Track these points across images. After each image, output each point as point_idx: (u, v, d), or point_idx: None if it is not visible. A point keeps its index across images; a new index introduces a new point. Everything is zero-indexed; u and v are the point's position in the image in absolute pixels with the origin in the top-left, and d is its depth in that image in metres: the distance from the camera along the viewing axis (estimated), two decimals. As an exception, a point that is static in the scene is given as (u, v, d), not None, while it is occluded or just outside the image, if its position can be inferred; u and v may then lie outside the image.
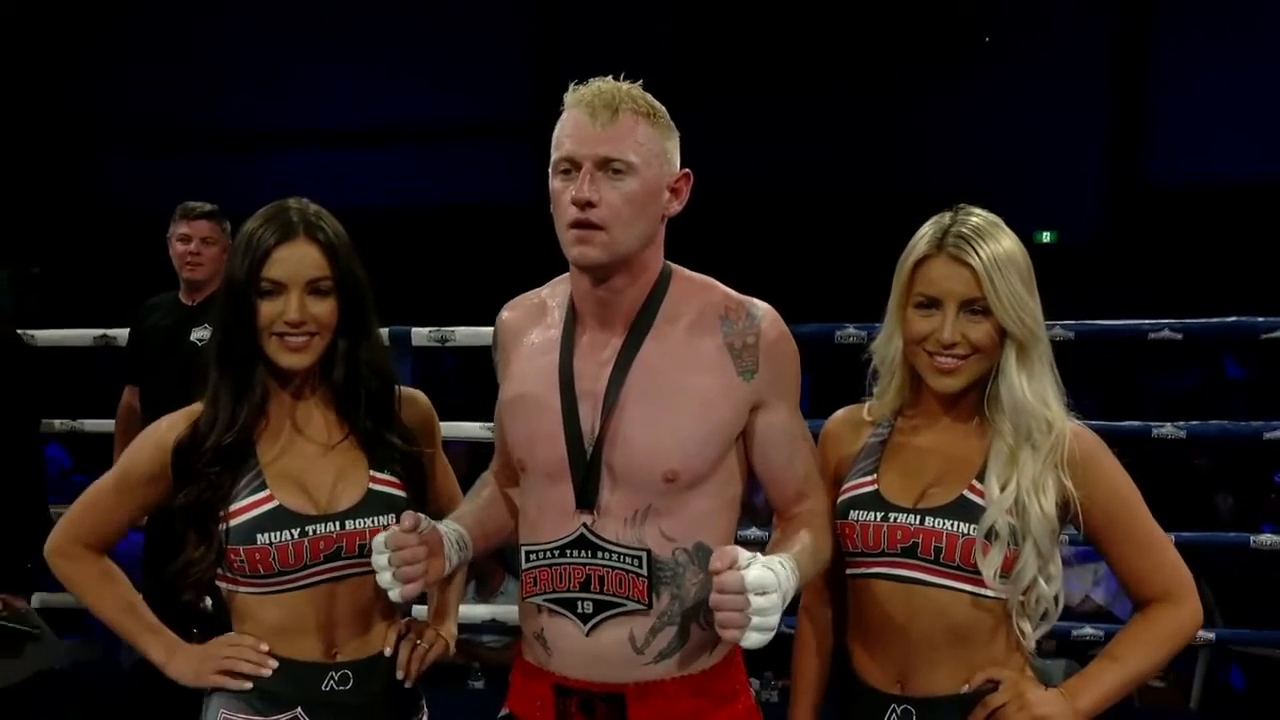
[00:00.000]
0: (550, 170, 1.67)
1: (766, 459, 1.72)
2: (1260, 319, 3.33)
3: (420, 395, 1.94)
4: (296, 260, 1.72)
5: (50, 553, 1.86)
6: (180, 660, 1.83)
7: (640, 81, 1.69)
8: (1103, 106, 10.02)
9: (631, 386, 1.66)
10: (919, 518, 1.68)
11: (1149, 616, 1.71)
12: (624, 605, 1.65)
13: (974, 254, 1.64)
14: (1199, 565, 1.75)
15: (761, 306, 1.72)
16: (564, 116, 1.66)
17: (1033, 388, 1.67)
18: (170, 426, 1.80)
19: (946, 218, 1.70)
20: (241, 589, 1.77)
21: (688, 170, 1.70)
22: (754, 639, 1.49)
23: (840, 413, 1.87)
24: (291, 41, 10.80)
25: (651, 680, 1.66)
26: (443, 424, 2.04)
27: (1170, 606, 1.70)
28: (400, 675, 1.82)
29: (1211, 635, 3.56)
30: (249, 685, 1.76)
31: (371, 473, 1.78)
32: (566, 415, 1.67)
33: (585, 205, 1.60)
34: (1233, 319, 3.40)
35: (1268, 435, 3.32)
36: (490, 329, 1.85)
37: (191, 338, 3.70)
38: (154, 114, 10.84)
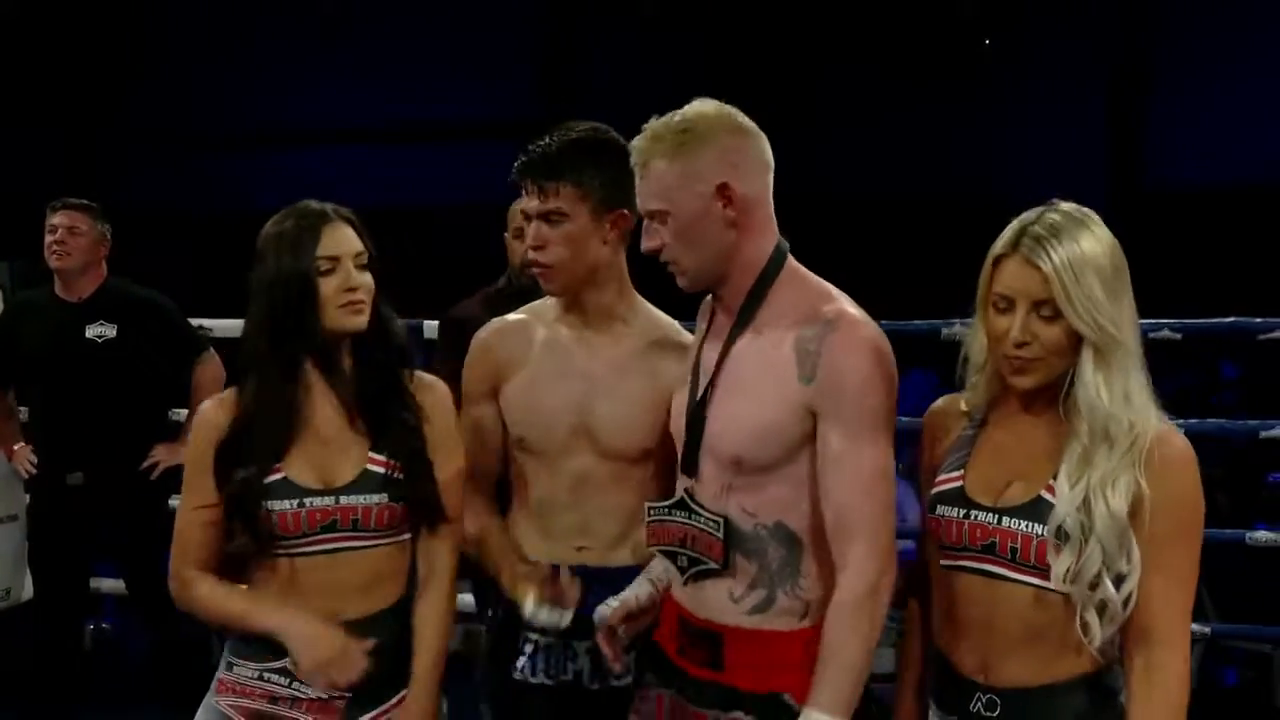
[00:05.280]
0: None
1: (819, 474, 1.76)
2: (1258, 320, 3.41)
3: (436, 380, 2.05)
4: (342, 236, 1.91)
5: (173, 591, 1.97)
6: (325, 637, 1.88)
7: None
8: (1102, 110, 10.06)
9: (725, 372, 1.83)
10: (997, 517, 1.69)
11: (1151, 671, 1.65)
12: (707, 564, 1.82)
13: (1046, 257, 1.61)
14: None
15: (846, 319, 1.76)
16: None
17: (1112, 391, 1.63)
18: (219, 407, 1.94)
19: (1032, 215, 1.67)
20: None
21: (722, 180, 1.77)
22: None
23: (940, 401, 1.87)
24: (310, 42, 10.81)
25: (747, 628, 1.81)
26: None
27: (1166, 651, 1.65)
28: None
29: (1207, 630, 3.64)
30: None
31: (371, 454, 1.91)
32: (691, 390, 1.87)
33: (654, 254, 1.83)
34: (1231, 319, 3.46)
35: (1264, 434, 3.39)
36: None
37: (88, 335, 3.58)
38: (171, 113, 10.85)
